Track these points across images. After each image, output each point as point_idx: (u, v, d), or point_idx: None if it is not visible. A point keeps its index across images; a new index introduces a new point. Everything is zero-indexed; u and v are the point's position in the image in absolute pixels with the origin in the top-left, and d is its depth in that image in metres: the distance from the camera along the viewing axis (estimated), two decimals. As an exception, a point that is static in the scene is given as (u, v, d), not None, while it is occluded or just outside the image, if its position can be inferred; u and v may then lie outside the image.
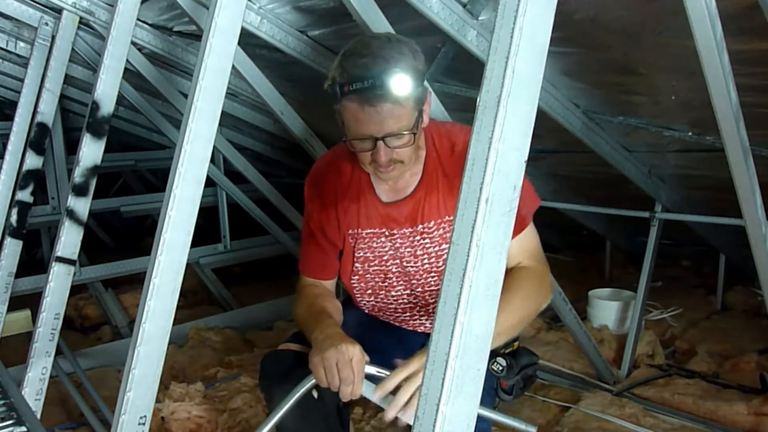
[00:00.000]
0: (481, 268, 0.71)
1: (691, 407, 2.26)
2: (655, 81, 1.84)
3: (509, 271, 1.38)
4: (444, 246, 1.45)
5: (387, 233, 1.46)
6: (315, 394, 1.36)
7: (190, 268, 3.62)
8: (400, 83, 1.19)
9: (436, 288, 1.50)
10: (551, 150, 2.63)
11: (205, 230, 2.97)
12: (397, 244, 1.47)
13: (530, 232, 1.43)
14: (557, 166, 2.88)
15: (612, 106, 2.09)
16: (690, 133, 2.04)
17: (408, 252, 1.47)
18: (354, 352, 1.21)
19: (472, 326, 0.70)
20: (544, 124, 1.98)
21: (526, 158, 0.73)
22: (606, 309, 2.98)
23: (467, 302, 0.70)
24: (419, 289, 1.52)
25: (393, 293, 1.54)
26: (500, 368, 1.39)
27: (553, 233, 4.20)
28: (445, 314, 0.71)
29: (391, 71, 1.19)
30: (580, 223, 3.49)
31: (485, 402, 1.53)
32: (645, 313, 2.82)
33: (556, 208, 3.10)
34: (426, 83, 1.31)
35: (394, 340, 1.55)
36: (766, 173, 1.71)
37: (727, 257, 3.17)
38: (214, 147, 1.30)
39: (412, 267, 1.48)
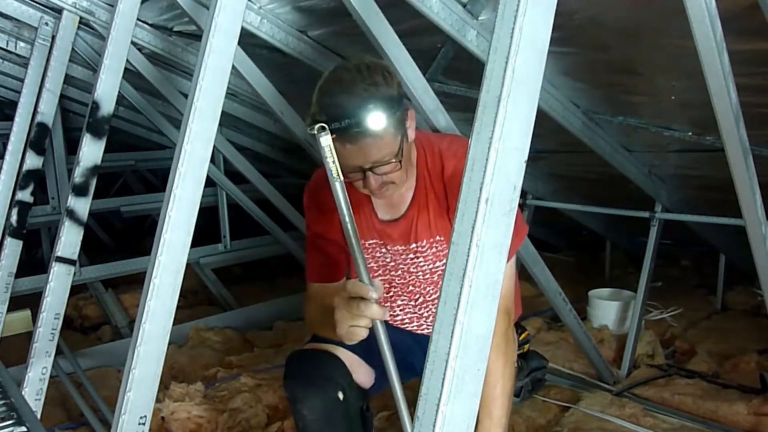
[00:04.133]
0: (481, 268, 0.71)
1: (691, 407, 2.26)
2: (655, 81, 1.84)
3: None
4: (438, 264, 1.46)
5: (385, 246, 1.47)
6: (340, 396, 1.36)
7: (190, 268, 3.62)
8: (376, 119, 1.17)
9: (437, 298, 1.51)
10: (551, 150, 2.63)
11: (205, 230, 2.97)
12: (395, 257, 1.48)
13: (508, 271, 1.39)
14: (557, 166, 2.88)
15: (612, 106, 2.09)
16: (690, 133, 2.04)
17: (402, 268, 1.48)
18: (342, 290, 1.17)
19: (472, 326, 0.70)
20: (544, 124, 1.97)
21: (526, 158, 0.73)
22: (606, 309, 2.98)
23: (467, 302, 0.70)
24: (421, 299, 1.52)
25: (399, 302, 1.54)
26: None
27: (553, 233, 4.20)
28: (445, 314, 0.71)
29: (365, 108, 1.16)
30: (580, 223, 3.49)
31: None
32: (645, 313, 2.82)
33: (556, 208, 3.10)
34: (405, 100, 1.29)
35: (407, 340, 1.55)
36: (766, 173, 1.70)
37: (727, 257, 3.17)
38: (214, 147, 1.30)
39: (411, 277, 1.50)
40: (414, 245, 1.44)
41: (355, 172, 1.25)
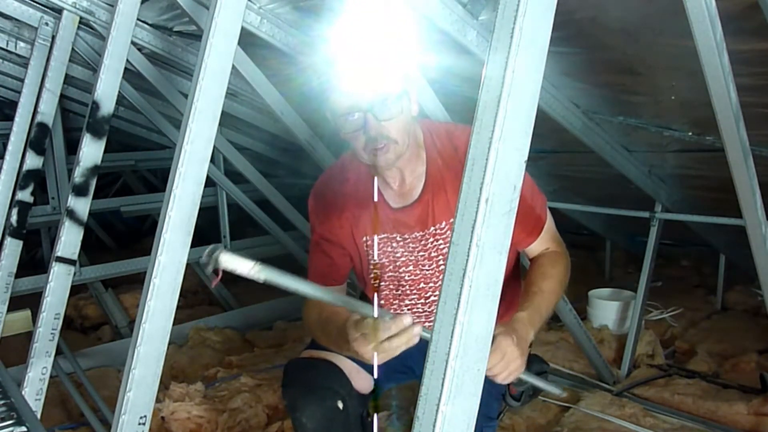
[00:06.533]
0: (481, 268, 0.71)
1: (691, 407, 2.26)
2: (655, 81, 1.84)
3: (541, 256, 1.46)
4: None
5: (399, 238, 1.46)
6: (340, 405, 1.36)
7: (190, 268, 3.61)
8: (379, 34, 1.20)
9: None
10: (551, 150, 2.63)
11: (205, 230, 2.97)
12: (410, 248, 1.46)
13: (550, 220, 1.50)
14: (557, 166, 2.88)
15: (612, 106, 2.09)
16: (690, 133, 2.04)
17: (422, 255, 1.46)
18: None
19: (472, 326, 0.70)
20: (544, 124, 1.98)
21: (526, 158, 0.73)
22: (606, 309, 2.98)
23: (467, 302, 0.70)
24: (435, 294, 1.51)
25: (407, 302, 1.53)
26: None
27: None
28: (445, 314, 0.71)
29: (368, 36, 1.20)
30: (580, 223, 3.49)
31: (492, 408, 1.54)
32: (645, 313, 2.82)
33: (556, 208, 3.10)
34: (409, 78, 1.33)
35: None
36: (766, 173, 1.70)
37: (727, 257, 3.17)
38: (214, 147, 1.30)
39: (428, 270, 1.48)
40: (432, 228, 1.43)
41: (353, 113, 1.24)
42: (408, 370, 1.43)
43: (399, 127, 1.28)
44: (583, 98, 2.08)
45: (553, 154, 2.67)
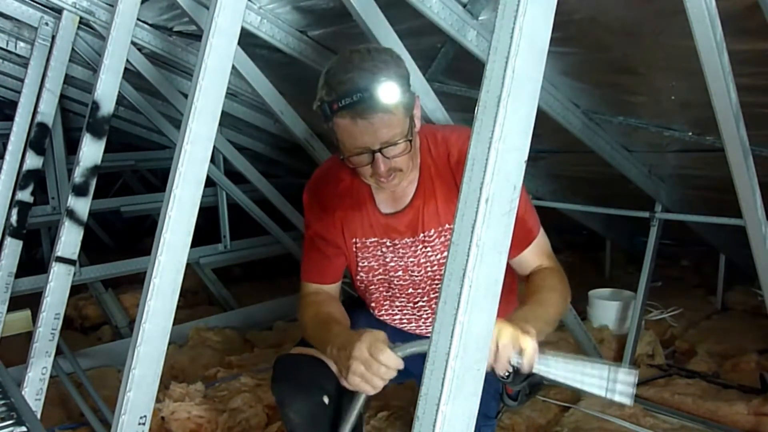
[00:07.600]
0: (481, 268, 0.71)
1: (691, 407, 2.26)
2: (655, 81, 1.84)
3: (536, 272, 1.43)
4: (446, 253, 1.44)
5: (389, 243, 1.46)
6: (326, 400, 1.36)
7: (190, 268, 3.62)
8: (388, 91, 1.19)
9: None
10: (551, 150, 2.63)
11: (205, 230, 2.97)
12: (400, 253, 1.46)
13: (543, 237, 1.47)
14: (557, 166, 2.88)
15: (612, 106, 2.09)
16: (690, 133, 2.04)
17: (412, 261, 1.46)
18: (371, 345, 1.16)
19: (472, 326, 0.70)
20: (544, 124, 1.97)
21: (526, 158, 0.73)
22: (606, 309, 2.98)
23: (467, 302, 0.70)
24: (423, 300, 1.51)
25: (397, 304, 1.53)
26: (506, 373, 1.39)
27: (553, 233, 4.18)
28: (445, 314, 0.71)
29: (377, 81, 1.19)
30: (580, 223, 3.49)
31: (489, 407, 1.54)
32: (645, 313, 2.82)
33: (556, 208, 3.10)
34: (412, 89, 1.30)
35: (400, 339, 1.55)
36: (766, 173, 1.70)
37: (727, 257, 3.17)
38: (214, 147, 1.30)
39: (416, 276, 1.48)
40: (422, 235, 1.43)
41: (363, 154, 1.25)
42: (404, 369, 1.43)
43: (406, 158, 1.29)
44: (583, 98, 2.08)
45: (553, 154, 2.67)
